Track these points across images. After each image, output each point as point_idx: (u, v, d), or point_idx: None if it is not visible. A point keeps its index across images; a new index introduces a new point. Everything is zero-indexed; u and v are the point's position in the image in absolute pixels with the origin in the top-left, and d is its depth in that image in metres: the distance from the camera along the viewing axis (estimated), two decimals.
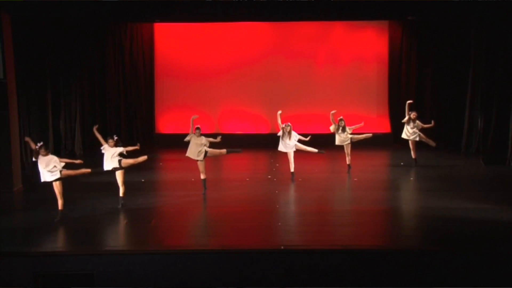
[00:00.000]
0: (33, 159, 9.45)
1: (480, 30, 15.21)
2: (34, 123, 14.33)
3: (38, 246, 8.21)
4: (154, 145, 17.81)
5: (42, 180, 9.38)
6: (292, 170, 12.41)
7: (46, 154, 9.27)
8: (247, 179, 12.84)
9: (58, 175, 9.26)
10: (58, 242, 8.53)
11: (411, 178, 12.72)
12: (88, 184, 12.22)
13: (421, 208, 10.05)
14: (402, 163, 14.44)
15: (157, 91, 18.07)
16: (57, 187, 9.38)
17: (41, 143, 9.34)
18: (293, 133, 12.32)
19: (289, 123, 12.36)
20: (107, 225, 9.30)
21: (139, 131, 18.12)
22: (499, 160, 14.03)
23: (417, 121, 13.92)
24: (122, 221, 9.47)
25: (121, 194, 10.29)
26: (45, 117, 14.68)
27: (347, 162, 13.18)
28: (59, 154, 15.62)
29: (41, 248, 8.16)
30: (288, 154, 12.36)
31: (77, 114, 16.70)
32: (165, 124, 18.13)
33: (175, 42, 17.91)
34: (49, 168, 9.22)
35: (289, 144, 12.28)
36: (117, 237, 8.90)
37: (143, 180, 12.60)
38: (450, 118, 17.58)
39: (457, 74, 17.22)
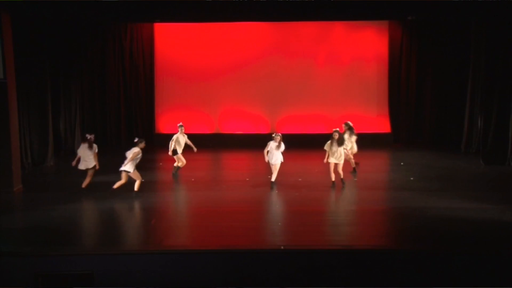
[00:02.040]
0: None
1: (480, 30, 15.21)
2: (34, 123, 14.31)
3: (38, 246, 8.21)
4: (154, 145, 17.80)
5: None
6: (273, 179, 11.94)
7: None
8: (247, 179, 12.83)
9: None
10: (58, 242, 8.52)
11: (411, 178, 12.72)
12: (88, 184, 12.23)
13: (421, 208, 10.05)
14: (402, 163, 14.44)
15: (157, 91, 18.07)
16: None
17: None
18: (282, 145, 11.75)
19: (279, 134, 11.92)
20: (107, 225, 9.30)
21: (139, 131, 18.12)
22: (499, 160, 14.03)
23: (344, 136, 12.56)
24: (123, 221, 9.47)
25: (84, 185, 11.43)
26: (45, 117, 14.67)
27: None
28: (59, 154, 15.72)
29: (41, 248, 8.16)
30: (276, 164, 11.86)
31: (77, 114, 16.69)
32: (165, 124, 18.12)
33: (175, 42, 17.91)
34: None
35: (274, 155, 11.73)
36: (117, 237, 8.89)
37: (143, 180, 12.59)
38: (450, 118, 17.60)
39: (457, 74, 17.24)
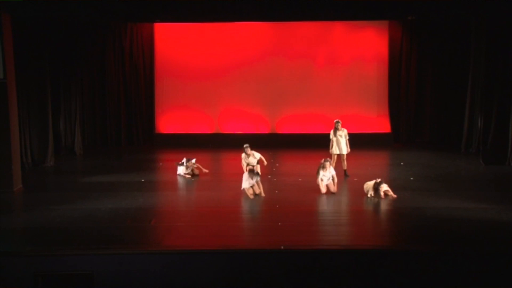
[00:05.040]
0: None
1: (480, 30, 15.20)
2: (34, 123, 14.32)
3: (38, 246, 8.21)
4: (154, 145, 17.82)
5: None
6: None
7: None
8: None
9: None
10: (58, 242, 8.52)
11: (411, 178, 12.72)
12: (88, 184, 12.24)
13: (421, 208, 10.05)
14: (402, 163, 14.44)
15: (157, 91, 18.06)
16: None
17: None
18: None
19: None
20: (107, 225, 9.30)
21: (139, 131, 18.13)
22: (499, 160, 14.03)
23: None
24: (123, 221, 9.47)
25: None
26: (45, 117, 14.69)
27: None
28: (59, 154, 15.73)
29: (41, 248, 8.16)
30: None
31: (77, 114, 16.69)
32: (165, 124, 18.13)
33: (175, 42, 17.91)
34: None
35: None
36: (117, 237, 8.89)
37: (143, 180, 12.60)
38: (450, 118, 17.59)
39: (457, 73, 17.23)
